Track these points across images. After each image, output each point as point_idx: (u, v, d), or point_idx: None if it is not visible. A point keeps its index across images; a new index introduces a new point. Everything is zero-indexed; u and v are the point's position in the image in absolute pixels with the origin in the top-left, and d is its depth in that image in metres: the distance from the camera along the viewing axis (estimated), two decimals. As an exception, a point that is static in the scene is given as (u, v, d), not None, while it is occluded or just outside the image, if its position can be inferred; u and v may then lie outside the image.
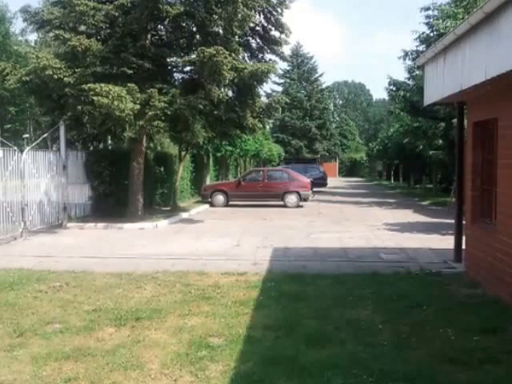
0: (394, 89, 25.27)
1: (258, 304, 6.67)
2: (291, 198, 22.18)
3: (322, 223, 16.35)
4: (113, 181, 15.95)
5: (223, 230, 14.43)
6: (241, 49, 14.71)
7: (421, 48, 21.92)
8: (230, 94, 15.61)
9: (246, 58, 15.91)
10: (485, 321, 5.97)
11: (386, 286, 7.65)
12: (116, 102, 12.35)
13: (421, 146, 25.92)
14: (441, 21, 19.94)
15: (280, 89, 56.12)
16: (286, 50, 58.01)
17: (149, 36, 14.82)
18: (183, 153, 19.88)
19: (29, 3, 14.69)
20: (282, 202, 22.20)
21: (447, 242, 10.67)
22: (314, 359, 4.83)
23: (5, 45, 35.19)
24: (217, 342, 5.31)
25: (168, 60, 15.36)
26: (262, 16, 15.54)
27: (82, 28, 14.29)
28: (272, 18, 15.54)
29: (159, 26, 15.59)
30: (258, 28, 15.74)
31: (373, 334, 5.57)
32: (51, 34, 15.19)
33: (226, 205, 22.16)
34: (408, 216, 18.66)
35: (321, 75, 60.01)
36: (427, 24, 22.25)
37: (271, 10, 15.37)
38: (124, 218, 15.23)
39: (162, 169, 19.43)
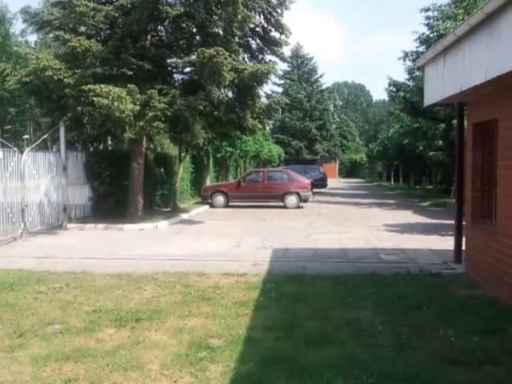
0: (394, 90, 25.26)
1: (257, 305, 6.67)
2: (291, 199, 22.18)
3: (322, 224, 16.35)
4: (113, 182, 15.95)
5: (223, 231, 14.43)
6: (241, 50, 14.74)
7: (421, 49, 21.96)
8: (230, 94, 15.61)
9: (246, 59, 15.93)
10: (485, 322, 5.97)
11: (386, 287, 7.64)
12: (116, 103, 12.36)
13: (421, 147, 25.94)
14: (441, 22, 19.97)
15: (280, 90, 56.09)
16: (286, 50, 58.05)
17: (149, 37, 14.83)
18: (183, 154, 19.88)
19: (29, 4, 14.78)
20: (282, 203, 22.20)
21: (447, 242, 10.66)
22: (313, 360, 4.83)
23: (5, 46, 35.27)
24: (217, 342, 5.31)
25: (168, 61, 15.37)
26: (261, 17, 15.56)
27: (82, 29, 14.31)
28: (272, 19, 15.55)
29: (159, 27, 15.60)
30: (257, 29, 15.75)
31: (373, 335, 5.57)
32: (51, 35, 15.22)
33: (226, 206, 22.16)
34: (408, 217, 18.66)
35: (321, 76, 60.04)
36: (427, 25, 22.30)
37: (271, 10, 15.39)
38: (124, 218, 15.24)
39: (162, 170, 19.42)
